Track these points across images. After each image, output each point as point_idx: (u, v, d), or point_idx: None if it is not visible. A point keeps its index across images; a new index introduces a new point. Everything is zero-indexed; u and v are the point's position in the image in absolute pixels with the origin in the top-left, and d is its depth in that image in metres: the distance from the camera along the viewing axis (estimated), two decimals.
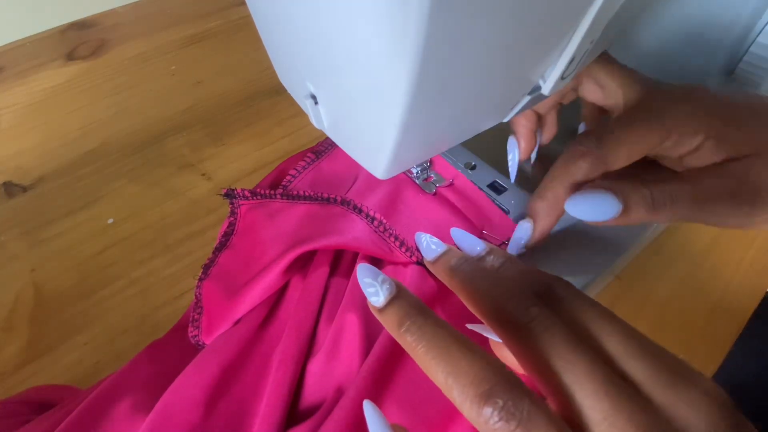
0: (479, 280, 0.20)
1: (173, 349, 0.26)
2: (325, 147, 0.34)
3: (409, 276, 0.26)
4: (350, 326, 0.23)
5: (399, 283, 0.19)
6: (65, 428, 0.22)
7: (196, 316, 0.26)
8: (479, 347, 0.16)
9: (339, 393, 0.22)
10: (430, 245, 0.24)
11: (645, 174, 0.24)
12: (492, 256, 0.23)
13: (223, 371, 0.23)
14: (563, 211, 0.24)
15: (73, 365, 0.29)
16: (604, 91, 0.26)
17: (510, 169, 0.31)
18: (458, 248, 0.24)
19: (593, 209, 0.22)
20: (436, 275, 0.23)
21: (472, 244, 0.24)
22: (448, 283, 0.22)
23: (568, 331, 0.16)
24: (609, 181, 0.23)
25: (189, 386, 0.22)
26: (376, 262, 0.27)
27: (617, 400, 0.14)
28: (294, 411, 0.22)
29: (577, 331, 0.17)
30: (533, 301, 0.18)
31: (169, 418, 0.21)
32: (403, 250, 0.26)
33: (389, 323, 0.18)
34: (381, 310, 0.18)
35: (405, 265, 0.27)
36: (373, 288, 0.19)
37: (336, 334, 0.23)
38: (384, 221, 0.27)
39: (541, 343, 0.16)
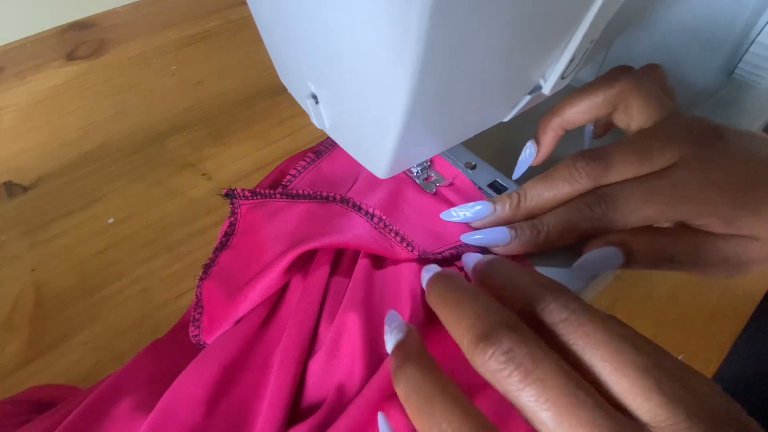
0: (458, 303, 0.18)
1: (174, 349, 0.26)
2: (325, 147, 0.34)
3: (410, 275, 0.26)
4: (351, 325, 0.23)
5: (411, 328, 0.19)
6: (65, 428, 0.22)
7: (196, 316, 0.26)
8: (466, 401, 0.15)
9: (339, 392, 0.22)
10: (424, 273, 0.22)
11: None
12: (484, 258, 0.22)
13: (223, 371, 0.23)
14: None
15: (73, 365, 0.29)
16: (632, 123, 0.26)
17: (516, 169, 0.31)
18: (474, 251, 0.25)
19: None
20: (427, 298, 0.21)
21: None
22: (430, 303, 0.20)
23: (564, 373, 0.14)
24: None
25: (190, 385, 0.22)
26: (378, 259, 0.27)
27: None
28: (295, 410, 0.22)
29: (573, 359, 0.15)
30: (519, 336, 0.15)
31: (170, 418, 0.21)
32: (404, 245, 0.26)
33: (391, 370, 0.18)
34: (391, 356, 0.19)
35: (407, 262, 0.27)
36: (387, 335, 0.19)
37: (336, 334, 0.23)
38: (384, 217, 0.27)
39: (527, 394, 0.14)
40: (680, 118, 0.24)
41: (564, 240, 0.25)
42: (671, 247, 0.23)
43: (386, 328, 0.20)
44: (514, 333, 0.15)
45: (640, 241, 0.23)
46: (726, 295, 0.33)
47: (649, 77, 0.27)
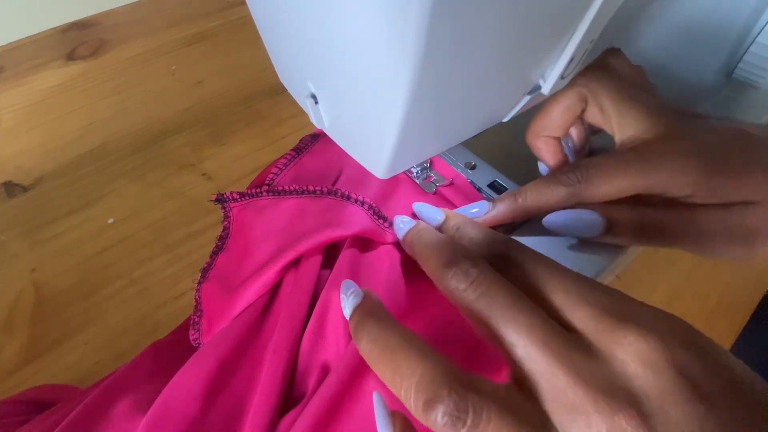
0: (431, 245, 0.21)
1: (175, 350, 0.26)
2: (305, 143, 0.34)
3: (393, 258, 0.26)
4: (335, 305, 0.23)
5: (368, 292, 0.20)
6: (65, 428, 0.22)
7: (196, 320, 0.27)
8: (427, 348, 0.16)
9: (325, 372, 0.22)
10: (399, 224, 0.25)
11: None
12: (450, 222, 0.24)
13: (220, 365, 0.23)
14: (519, 218, 0.26)
15: (73, 365, 0.29)
16: (604, 119, 0.26)
17: None
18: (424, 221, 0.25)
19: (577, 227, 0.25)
20: (406, 250, 0.24)
21: (432, 214, 0.25)
22: (410, 253, 0.23)
23: (511, 290, 0.17)
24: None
25: (187, 381, 0.22)
26: (364, 246, 0.27)
27: (557, 351, 0.15)
28: (290, 395, 0.23)
29: (525, 289, 0.17)
30: (474, 263, 0.18)
31: (168, 412, 0.21)
32: (393, 228, 0.27)
33: (351, 332, 0.19)
34: (349, 320, 0.19)
35: (391, 245, 0.27)
36: (344, 302, 0.20)
37: (321, 313, 0.23)
38: (374, 205, 0.27)
39: (482, 303, 0.17)
40: (653, 98, 0.25)
41: (542, 208, 0.25)
42: (659, 217, 0.23)
43: (342, 296, 0.20)
44: (470, 259, 0.18)
45: (624, 210, 0.23)
46: (726, 295, 0.33)
47: (614, 70, 0.27)
